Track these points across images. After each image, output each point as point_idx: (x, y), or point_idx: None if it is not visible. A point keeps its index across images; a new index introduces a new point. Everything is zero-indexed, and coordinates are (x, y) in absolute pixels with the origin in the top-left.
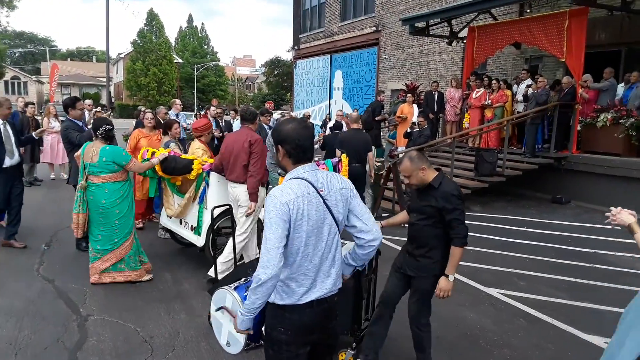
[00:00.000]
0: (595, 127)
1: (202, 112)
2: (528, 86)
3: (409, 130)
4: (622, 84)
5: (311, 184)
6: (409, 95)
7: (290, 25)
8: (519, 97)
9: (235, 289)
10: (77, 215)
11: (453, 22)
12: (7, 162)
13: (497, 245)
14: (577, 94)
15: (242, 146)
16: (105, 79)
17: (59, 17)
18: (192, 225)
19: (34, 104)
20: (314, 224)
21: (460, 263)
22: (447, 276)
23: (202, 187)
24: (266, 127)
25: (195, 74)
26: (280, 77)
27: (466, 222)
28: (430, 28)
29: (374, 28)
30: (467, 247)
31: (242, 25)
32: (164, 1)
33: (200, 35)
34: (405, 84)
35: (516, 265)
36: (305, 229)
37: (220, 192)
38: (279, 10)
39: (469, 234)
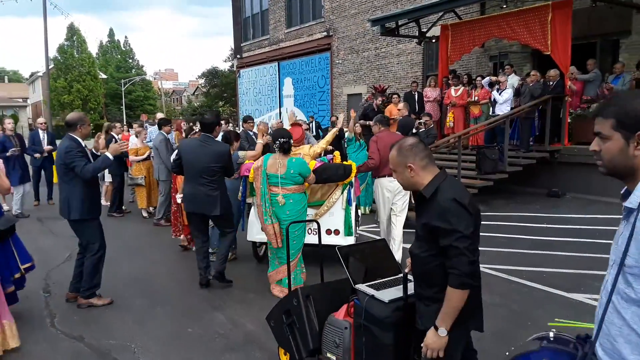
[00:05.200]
0: (585, 118)
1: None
2: (523, 79)
3: (414, 130)
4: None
5: None
6: (394, 95)
7: (217, 35)
8: (505, 93)
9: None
10: (270, 226)
11: (421, 21)
12: None
13: (532, 244)
14: (565, 86)
15: None
16: (21, 100)
17: None
18: (330, 230)
19: None
20: None
21: (518, 268)
22: (436, 328)
23: (347, 190)
24: (250, 132)
25: (122, 89)
26: (217, 87)
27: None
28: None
29: (325, 33)
30: (501, 249)
31: (162, 39)
32: (81, 18)
33: (123, 49)
34: (374, 86)
35: (577, 265)
36: None
37: None
38: (199, 22)
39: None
